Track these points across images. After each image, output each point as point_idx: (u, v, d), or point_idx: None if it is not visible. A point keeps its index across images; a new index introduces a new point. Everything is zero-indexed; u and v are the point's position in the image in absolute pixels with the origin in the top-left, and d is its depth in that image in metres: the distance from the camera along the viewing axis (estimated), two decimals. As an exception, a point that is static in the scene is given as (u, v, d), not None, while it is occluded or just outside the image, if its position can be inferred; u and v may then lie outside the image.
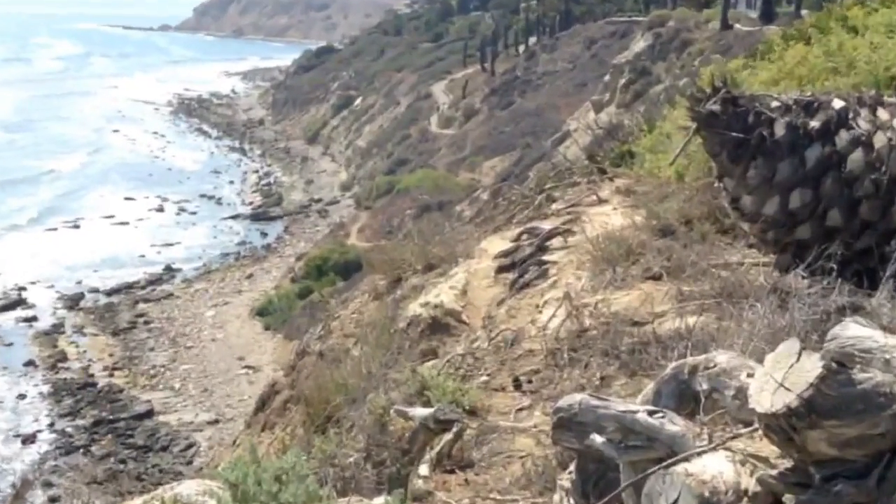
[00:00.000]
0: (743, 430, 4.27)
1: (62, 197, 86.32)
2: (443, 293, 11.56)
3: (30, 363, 49.67)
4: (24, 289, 60.94)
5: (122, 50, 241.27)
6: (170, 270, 66.80)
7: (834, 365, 3.65)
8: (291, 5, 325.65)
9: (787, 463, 3.90)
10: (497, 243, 12.87)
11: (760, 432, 3.97)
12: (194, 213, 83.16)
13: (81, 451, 41.06)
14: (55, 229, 76.04)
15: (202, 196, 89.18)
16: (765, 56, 16.46)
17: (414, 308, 11.54)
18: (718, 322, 7.15)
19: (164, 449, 41.28)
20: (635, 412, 4.51)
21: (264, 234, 77.81)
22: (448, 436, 6.96)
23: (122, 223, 78.40)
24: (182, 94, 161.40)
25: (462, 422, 7.07)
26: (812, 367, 3.69)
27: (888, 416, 3.60)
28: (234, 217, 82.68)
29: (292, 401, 14.06)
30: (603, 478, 4.79)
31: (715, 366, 4.77)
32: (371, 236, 61.81)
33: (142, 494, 7.74)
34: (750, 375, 4.38)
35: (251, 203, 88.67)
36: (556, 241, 11.65)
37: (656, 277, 8.97)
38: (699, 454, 4.16)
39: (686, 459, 4.15)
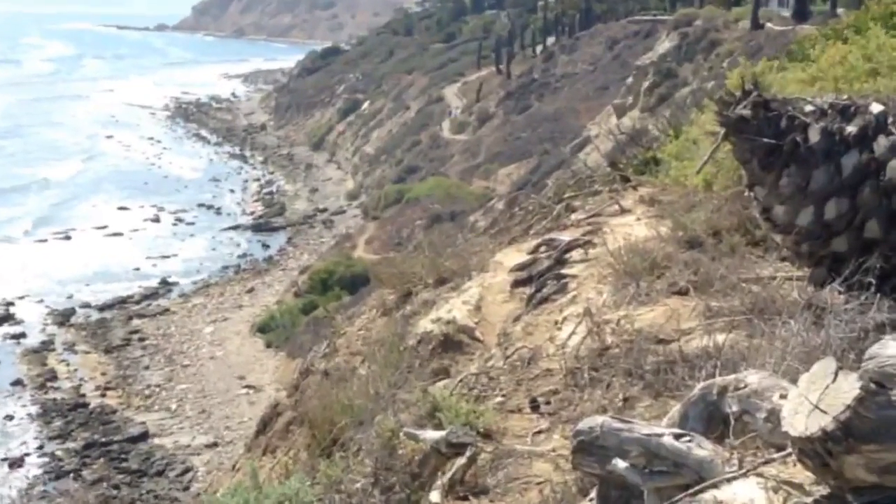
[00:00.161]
0: (776, 455, 4.26)
1: (52, 206, 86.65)
2: (455, 309, 11.56)
3: (17, 382, 49.75)
4: (11, 304, 61.11)
5: (116, 51, 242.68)
6: (166, 284, 66.92)
7: (872, 386, 3.64)
8: (295, 4, 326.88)
9: (823, 490, 3.88)
10: (513, 256, 12.87)
11: (794, 457, 3.97)
12: (192, 224, 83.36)
13: (72, 475, 41.07)
14: (45, 241, 76.30)
15: (200, 205, 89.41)
16: (798, 57, 16.45)
17: (425, 324, 11.54)
18: (749, 340, 7.13)
19: (160, 474, 41.27)
20: (661, 435, 4.51)
21: (266, 246, 77.93)
22: (461, 460, 6.95)
23: (115, 234, 78.63)
24: (179, 98, 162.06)
25: (476, 445, 7.06)
26: (849, 387, 3.68)
27: (931, 440, 3.59)
28: (234, 228, 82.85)
29: (295, 423, 14.06)
30: (626, 505, 4.78)
31: (745, 386, 4.76)
32: (379, 248, 61.84)
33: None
34: (783, 397, 4.37)
35: (252, 213, 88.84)
36: (575, 254, 11.65)
37: (683, 292, 8.95)
38: (729, 480, 4.15)
39: (715, 486, 4.14)
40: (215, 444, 43.45)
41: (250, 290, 65.84)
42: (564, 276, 11.00)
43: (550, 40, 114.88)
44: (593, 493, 5.07)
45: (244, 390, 48.83)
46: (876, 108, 7.91)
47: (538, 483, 6.70)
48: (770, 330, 7.01)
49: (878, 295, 7.01)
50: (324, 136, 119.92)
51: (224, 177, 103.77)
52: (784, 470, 4.17)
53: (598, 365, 7.90)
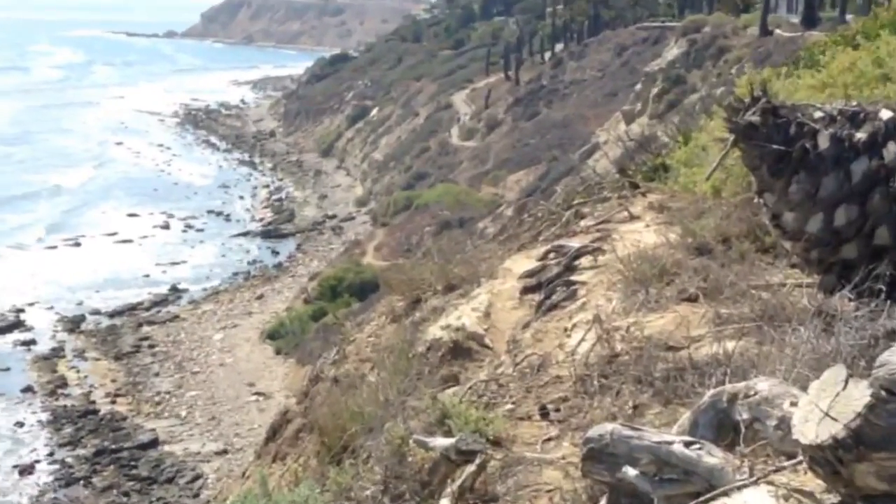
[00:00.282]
0: (786, 463, 4.26)
1: (62, 213, 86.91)
2: (464, 315, 11.56)
3: (28, 389, 49.87)
4: (21, 310, 61.28)
5: (125, 58, 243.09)
6: (176, 291, 67.03)
7: (883, 393, 3.64)
8: (304, 10, 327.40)
9: (834, 498, 3.88)
10: (522, 262, 12.86)
11: (805, 465, 3.96)
12: (202, 231, 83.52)
13: (82, 482, 41.16)
14: (55, 247, 76.49)
15: (210, 212, 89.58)
16: (807, 63, 16.43)
17: (434, 331, 11.54)
18: (759, 347, 7.12)
19: (170, 481, 41.32)
20: (671, 443, 4.51)
21: (275, 253, 78.03)
22: (471, 468, 6.95)
23: (125, 241, 78.79)
24: (189, 105, 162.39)
25: (485, 453, 7.05)
26: (860, 395, 3.67)
27: (942, 448, 3.58)
28: (243, 234, 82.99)
29: (305, 430, 14.07)
30: (636, 513, 4.78)
31: (756, 394, 4.76)
32: (388, 255, 61.86)
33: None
34: (793, 404, 4.37)
35: (262, 219, 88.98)
36: (584, 261, 11.64)
37: (692, 299, 8.94)
38: (739, 488, 4.15)
39: (725, 494, 4.14)
40: (225, 451, 43.50)
41: (260, 297, 65.91)
42: (574, 283, 11.00)
43: (559, 47, 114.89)
44: (603, 501, 5.07)
45: (254, 397, 48.88)
46: (886, 114, 7.90)
47: (548, 491, 6.70)
48: (780, 337, 6.99)
49: (889, 302, 6.99)
50: (333, 142, 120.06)
51: (233, 183, 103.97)
52: (795, 478, 4.17)
53: (607, 372, 7.89)
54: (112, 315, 61.86)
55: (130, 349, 55.80)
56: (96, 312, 62.11)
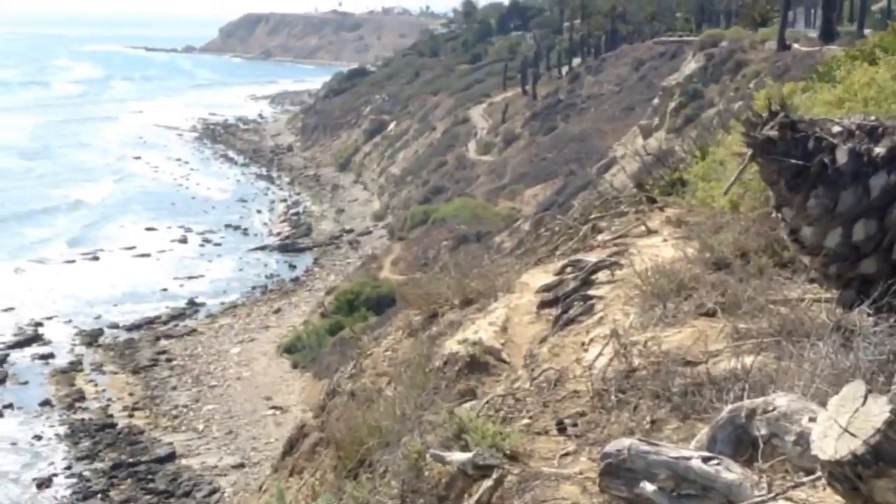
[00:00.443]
0: (805, 479, 4.24)
1: (81, 227, 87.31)
2: (481, 330, 11.55)
3: (46, 403, 50.01)
4: (40, 324, 61.53)
5: (144, 73, 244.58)
6: (193, 305, 67.20)
7: (903, 409, 3.62)
8: (322, 26, 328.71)
9: (853, 514, 3.85)
10: (539, 277, 12.84)
11: (824, 481, 3.94)
12: (219, 245, 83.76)
13: (99, 496, 41.24)
14: (73, 261, 76.80)
15: (228, 226, 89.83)
16: (825, 78, 16.40)
17: (451, 345, 11.53)
18: (777, 362, 7.09)
19: (187, 494, 41.35)
20: (689, 458, 4.49)
21: (293, 267, 78.16)
22: (488, 482, 6.93)
23: (143, 255, 79.07)
24: (207, 119, 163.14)
25: (502, 467, 7.04)
26: (879, 411, 3.66)
27: (962, 464, 3.56)
28: (261, 248, 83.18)
29: (322, 444, 14.06)
30: (654, 529, 4.75)
31: (774, 409, 4.74)
32: (405, 269, 61.87)
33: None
34: (812, 420, 4.35)
35: (279, 233, 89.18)
36: (602, 275, 11.62)
37: (710, 314, 8.91)
38: (758, 504, 4.13)
39: (744, 510, 4.12)
40: (242, 465, 43.53)
41: (277, 311, 66.01)
42: (591, 298, 10.98)
43: (576, 61, 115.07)
44: (621, 517, 5.05)
45: (271, 411, 48.91)
46: (904, 129, 7.87)
47: (565, 506, 6.68)
48: (798, 352, 6.97)
49: (908, 317, 6.96)
50: (350, 156, 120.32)
51: (251, 197, 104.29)
52: (813, 494, 4.15)
53: (625, 387, 7.87)
54: (130, 329, 62.03)
55: (148, 363, 55.93)
56: (114, 326, 62.30)
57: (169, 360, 56.50)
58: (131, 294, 68.36)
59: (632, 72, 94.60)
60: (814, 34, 66.47)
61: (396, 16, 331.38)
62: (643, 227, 13.35)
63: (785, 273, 9.70)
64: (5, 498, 40.79)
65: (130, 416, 48.93)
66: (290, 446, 16.44)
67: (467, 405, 9.34)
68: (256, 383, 52.84)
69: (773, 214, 8.73)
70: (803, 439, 4.36)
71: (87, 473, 43.06)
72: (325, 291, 66.01)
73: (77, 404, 49.97)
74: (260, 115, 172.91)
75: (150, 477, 42.55)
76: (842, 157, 7.75)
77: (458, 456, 7.27)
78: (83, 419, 48.20)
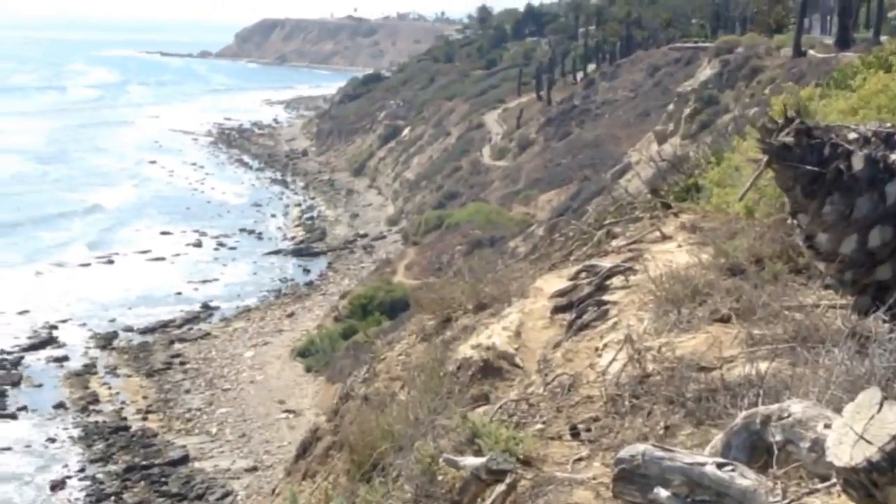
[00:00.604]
0: (820, 486, 4.22)
1: (96, 231, 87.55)
2: (495, 334, 11.54)
3: (60, 405, 50.14)
4: (55, 327, 61.72)
5: (159, 77, 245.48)
6: (207, 308, 67.33)
7: (919, 416, 3.60)
8: (337, 31, 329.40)
9: (868, 521, 3.83)
10: (553, 282, 12.83)
11: (839, 488, 3.92)
12: (234, 249, 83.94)
13: (113, 498, 41.32)
14: (88, 265, 77.01)
15: (242, 230, 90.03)
16: (841, 84, 16.35)
17: (464, 350, 11.53)
18: (792, 368, 7.07)
19: (200, 497, 41.41)
20: (703, 464, 4.47)
21: (307, 271, 78.29)
22: (501, 487, 6.92)
23: (157, 259, 79.28)
24: (222, 124, 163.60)
25: (516, 472, 7.03)
26: (895, 418, 3.64)
27: (979, 471, 3.54)
28: (275, 252, 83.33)
29: (335, 447, 14.07)
30: (668, 535, 4.74)
31: (789, 416, 4.72)
32: (419, 273, 61.91)
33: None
34: (827, 426, 4.33)
35: (293, 238, 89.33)
36: (616, 280, 11.60)
37: (725, 320, 8.89)
38: (772, 510, 4.11)
39: (758, 516, 4.10)
40: (255, 469, 43.58)
41: (291, 315, 66.10)
42: (605, 303, 10.96)
43: (591, 67, 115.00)
44: (634, 522, 5.03)
45: (284, 414, 48.97)
46: (921, 135, 7.84)
47: (578, 511, 6.66)
48: (814, 358, 6.94)
49: (924, 324, 6.93)
50: (365, 161, 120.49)
51: (265, 202, 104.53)
52: (828, 500, 4.13)
53: (638, 392, 7.85)
54: (144, 332, 62.19)
55: (162, 366, 56.05)
56: (128, 329, 62.46)
57: (183, 364, 56.61)
58: (146, 297, 68.52)
59: (647, 78, 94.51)
60: (830, 41, 66.25)
61: (412, 21, 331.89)
62: (658, 233, 13.32)
63: (800, 279, 9.67)
64: (20, 500, 40.91)
65: (144, 418, 49.04)
66: (304, 450, 16.47)
67: (481, 410, 9.33)
68: (270, 387, 52.90)
69: (789, 220, 8.69)
70: (818, 446, 4.34)
71: (100, 476, 43.16)
72: (339, 296, 66.05)
73: (91, 407, 50.09)
74: (275, 120, 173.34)
75: (163, 480, 42.64)
76: (858, 163, 7.72)
77: (471, 461, 7.26)
78: (97, 422, 48.33)
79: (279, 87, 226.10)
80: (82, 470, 43.76)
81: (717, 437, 5.06)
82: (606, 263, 12.19)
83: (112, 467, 43.87)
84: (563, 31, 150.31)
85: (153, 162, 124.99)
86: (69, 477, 43.07)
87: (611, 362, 8.73)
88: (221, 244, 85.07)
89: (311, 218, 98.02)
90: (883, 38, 55.15)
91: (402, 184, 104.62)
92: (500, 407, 8.88)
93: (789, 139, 7.86)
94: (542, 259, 16.14)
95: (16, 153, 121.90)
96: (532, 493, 7.02)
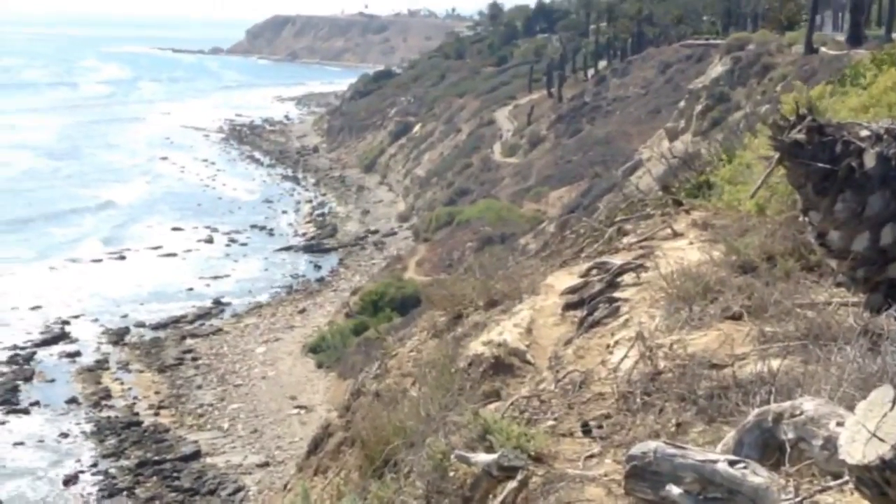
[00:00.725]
0: (832, 483, 4.21)
1: (108, 227, 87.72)
2: (506, 331, 11.54)
3: (72, 400, 50.27)
4: (67, 323, 61.88)
5: (171, 74, 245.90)
6: (219, 304, 67.43)
7: (932, 414, 3.60)
8: (348, 28, 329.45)
9: (881, 519, 3.83)
10: (564, 279, 12.83)
11: (851, 486, 3.91)
12: (245, 245, 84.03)
13: (125, 493, 41.42)
14: (100, 261, 77.17)
15: (253, 226, 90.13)
16: (853, 82, 16.31)
17: (475, 347, 11.53)
18: (804, 366, 7.06)
19: (212, 492, 41.48)
20: (715, 462, 4.47)
21: (318, 267, 78.34)
22: (512, 484, 6.92)
23: (169, 254, 79.41)
24: (233, 120, 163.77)
25: (527, 469, 7.03)
26: (908, 415, 3.63)
27: None
28: (286, 249, 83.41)
29: (347, 443, 14.08)
30: (680, 532, 4.74)
31: (801, 413, 4.71)
32: (430, 270, 61.92)
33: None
34: (840, 424, 4.32)
35: (304, 234, 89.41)
36: (627, 277, 11.59)
37: (736, 317, 8.88)
38: (784, 508, 4.11)
39: (770, 514, 4.10)
40: (267, 464, 43.64)
41: (302, 311, 66.16)
42: (616, 300, 10.95)
43: (602, 64, 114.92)
44: (646, 519, 5.03)
45: (295, 410, 49.02)
46: (933, 133, 7.81)
47: (590, 508, 6.66)
48: (826, 356, 6.93)
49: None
50: (375, 158, 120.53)
51: (277, 198, 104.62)
52: (841, 498, 4.12)
53: (650, 389, 7.84)
54: (156, 328, 62.29)
55: (174, 362, 56.15)
56: (140, 325, 62.58)
57: (195, 359, 56.70)
58: (157, 293, 68.66)
59: (658, 74, 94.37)
60: (841, 38, 66.09)
61: (422, 18, 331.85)
62: (669, 230, 13.31)
63: (812, 276, 9.66)
64: (33, 494, 41.06)
65: (156, 414, 49.14)
66: (315, 446, 16.49)
67: (492, 406, 9.34)
68: (281, 383, 52.97)
69: (800, 218, 8.69)
70: (831, 444, 4.34)
71: (112, 471, 43.27)
72: (350, 292, 66.09)
73: (103, 402, 50.22)
74: (286, 117, 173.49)
75: (175, 475, 42.72)
76: (870, 160, 7.70)
77: (482, 457, 7.26)
78: (109, 417, 48.44)
79: (290, 84, 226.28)
80: (95, 465, 43.88)
81: (729, 435, 5.05)
82: (617, 260, 12.18)
83: (124, 462, 43.98)
84: (574, 27, 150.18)
85: (165, 158, 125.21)
86: (82, 472, 43.19)
87: (622, 359, 8.72)
88: (233, 240, 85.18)
89: (322, 214, 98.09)
90: (895, 35, 54.99)
91: (412, 180, 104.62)
92: (512, 403, 8.88)
93: (801, 136, 7.85)
94: (552, 256, 16.14)
95: (28, 149, 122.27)
96: (543, 490, 7.02)
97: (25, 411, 48.91)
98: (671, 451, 4.67)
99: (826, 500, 4.13)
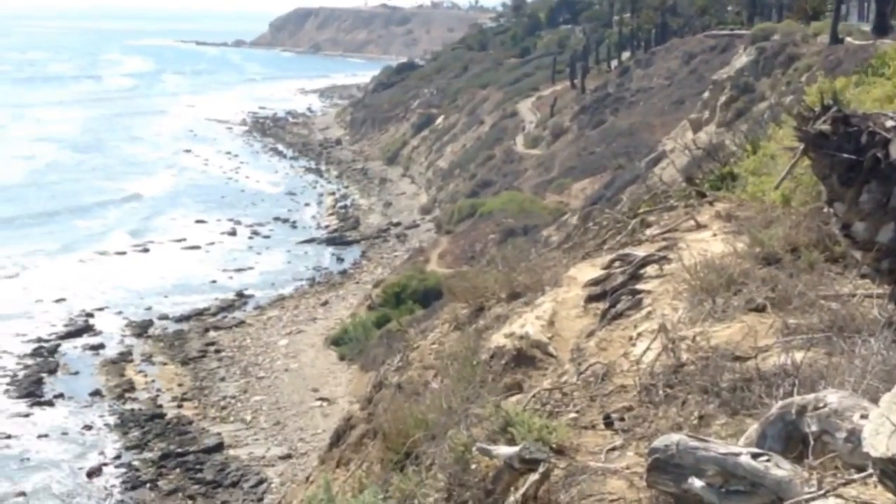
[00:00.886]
0: (856, 476, 4.18)
1: (131, 220, 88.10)
2: (528, 323, 11.53)
3: (96, 393, 50.51)
4: (91, 315, 62.17)
5: (194, 66, 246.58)
6: (242, 297, 67.61)
7: (957, 406, 3.56)
8: (371, 20, 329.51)
9: (905, 513, 3.80)
10: (587, 271, 12.80)
11: (875, 478, 3.89)
12: (268, 237, 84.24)
13: (148, 485, 41.59)
14: (124, 253, 77.51)
15: (276, 219, 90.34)
16: (877, 72, 16.20)
17: (497, 339, 11.52)
18: (828, 358, 7.02)
19: (234, 485, 41.61)
20: (738, 455, 4.45)
21: (340, 259, 78.46)
22: (534, 476, 6.91)
23: (193, 247, 79.68)
24: (256, 113, 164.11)
25: (549, 461, 7.02)
26: (933, 408, 3.60)
27: None
28: (309, 241, 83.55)
29: (369, 436, 14.11)
30: (702, 525, 4.72)
31: (825, 406, 4.68)
32: (452, 262, 61.92)
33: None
34: (864, 417, 4.29)
35: (327, 226, 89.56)
36: (650, 269, 11.56)
37: (760, 309, 8.84)
38: (808, 501, 4.08)
39: (793, 507, 4.08)
40: (289, 456, 43.74)
41: (325, 303, 66.27)
42: (639, 292, 10.92)
43: (625, 55, 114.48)
44: (668, 512, 5.01)
45: (318, 402, 49.12)
46: (959, 123, 7.74)
47: (612, 500, 6.64)
48: (850, 348, 6.89)
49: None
50: (398, 150, 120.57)
51: (300, 191, 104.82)
52: (865, 491, 4.09)
53: (673, 382, 7.82)
54: (179, 320, 62.52)
55: (197, 354, 56.34)
56: (164, 317, 62.81)
57: (218, 352, 56.87)
58: (181, 286, 68.90)
59: (682, 65, 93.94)
60: (867, 28, 65.64)
61: (445, 10, 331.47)
62: (692, 222, 13.26)
63: (836, 268, 9.61)
64: (57, 486, 41.29)
65: (179, 406, 49.32)
66: (337, 438, 16.53)
67: (514, 399, 9.33)
68: (304, 375, 53.09)
69: (825, 209, 8.63)
70: (854, 436, 4.31)
71: (136, 463, 43.45)
72: (373, 284, 66.15)
73: (127, 394, 50.43)
74: (309, 109, 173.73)
75: (198, 467, 42.87)
76: (895, 151, 7.64)
77: (504, 449, 7.25)
78: (133, 409, 48.65)
79: (313, 76, 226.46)
80: (118, 457, 44.07)
81: (753, 428, 5.03)
82: (640, 252, 12.15)
83: (148, 454, 44.15)
84: (597, 18, 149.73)
85: (188, 151, 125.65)
86: (105, 464, 43.38)
87: (645, 351, 8.70)
88: (256, 233, 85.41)
89: (345, 207, 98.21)
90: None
91: (435, 172, 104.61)
92: (534, 396, 8.87)
93: (826, 127, 7.79)
94: (575, 248, 16.11)
95: (52, 142, 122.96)
96: (565, 483, 7.01)
97: (50, 403, 49.19)
98: (694, 443, 4.65)
99: (850, 493, 4.10)
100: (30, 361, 54.25)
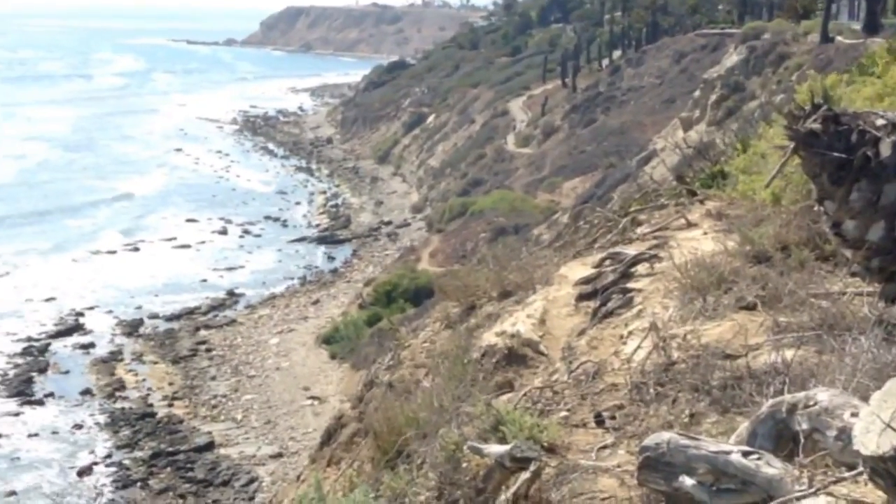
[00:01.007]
0: (846, 474, 4.18)
1: (122, 219, 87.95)
2: (519, 322, 11.53)
3: (86, 392, 50.44)
4: (81, 314, 62.08)
5: (185, 65, 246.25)
6: (233, 296, 67.57)
7: (948, 404, 3.56)
8: (362, 18, 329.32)
9: (896, 510, 3.80)
10: (578, 269, 12.81)
11: (865, 476, 3.89)
12: (259, 236, 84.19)
13: (139, 484, 41.56)
14: (114, 252, 77.39)
15: (267, 218, 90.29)
16: (868, 70, 16.23)
17: (489, 337, 11.52)
18: (818, 356, 7.03)
19: (225, 483, 41.59)
20: (728, 453, 4.45)
21: (331, 258, 78.44)
22: (525, 475, 6.91)
23: (183, 246, 79.60)
24: (247, 112, 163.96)
25: (540, 460, 7.01)
26: (923, 406, 3.60)
27: None
28: (300, 240, 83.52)
29: (360, 434, 14.10)
30: (692, 523, 4.72)
31: (815, 404, 4.69)
32: (443, 261, 61.95)
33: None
34: (854, 415, 4.30)
35: (318, 225, 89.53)
36: (641, 268, 11.56)
37: (750, 307, 8.85)
38: (798, 499, 4.08)
39: (784, 505, 4.08)
40: (280, 455, 43.74)
41: (315, 302, 66.25)
42: (630, 290, 10.92)
43: (616, 54, 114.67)
44: (659, 510, 5.01)
45: (309, 401, 49.11)
46: (949, 121, 7.76)
47: (603, 499, 6.64)
48: (840, 346, 6.90)
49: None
50: (389, 149, 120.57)
51: (290, 190, 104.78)
52: (855, 489, 4.10)
53: (663, 380, 7.82)
54: (170, 319, 62.45)
55: (188, 353, 56.29)
56: (154, 316, 62.74)
57: (208, 351, 56.84)
58: (171, 284, 68.84)
59: (673, 64, 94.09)
60: (857, 26, 65.79)
61: (436, 9, 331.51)
62: (683, 220, 13.27)
63: (826, 266, 9.62)
64: (47, 486, 41.22)
65: (170, 405, 49.28)
66: (328, 436, 16.52)
67: (505, 397, 9.33)
68: (295, 374, 53.07)
69: (815, 208, 8.64)
70: (845, 434, 4.31)
71: (126, 462, 43.41)
72: (364, 283, 66.15)
73: (117, 394, 50.38)
74: (300, 108, 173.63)
75: (189, 466, 42.85)
76: (886, 150, 7.65)
77: (495, 448, 7.25)
78: (123, 408, 48.60)
79: (304, 75, 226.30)
80: (109, 456, 44.02)
81: (743, 426, 5.03)
82: (631, 251, 12.16)
83: (138, 453, 44.11)
84: (588, 17, 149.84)
85: (179, 150, 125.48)
86: (96, 463, 43.33)
87: (635, 350, 8.71)
88: (247, 231, 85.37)
89: (336, 205, 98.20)
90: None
91: (426, 171, 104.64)
92: (525, 394, 8.87)
93: (816, 126, 7.80)
94: (566, 246, 16.12)
95: (43, 141, 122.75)
96: (556, 481, 7.01)
97: (40, 402, 49.12)
98: (684, 441, 4.65)
99: (840, 491, 4.10)
100: (20, 360, 54.17)
